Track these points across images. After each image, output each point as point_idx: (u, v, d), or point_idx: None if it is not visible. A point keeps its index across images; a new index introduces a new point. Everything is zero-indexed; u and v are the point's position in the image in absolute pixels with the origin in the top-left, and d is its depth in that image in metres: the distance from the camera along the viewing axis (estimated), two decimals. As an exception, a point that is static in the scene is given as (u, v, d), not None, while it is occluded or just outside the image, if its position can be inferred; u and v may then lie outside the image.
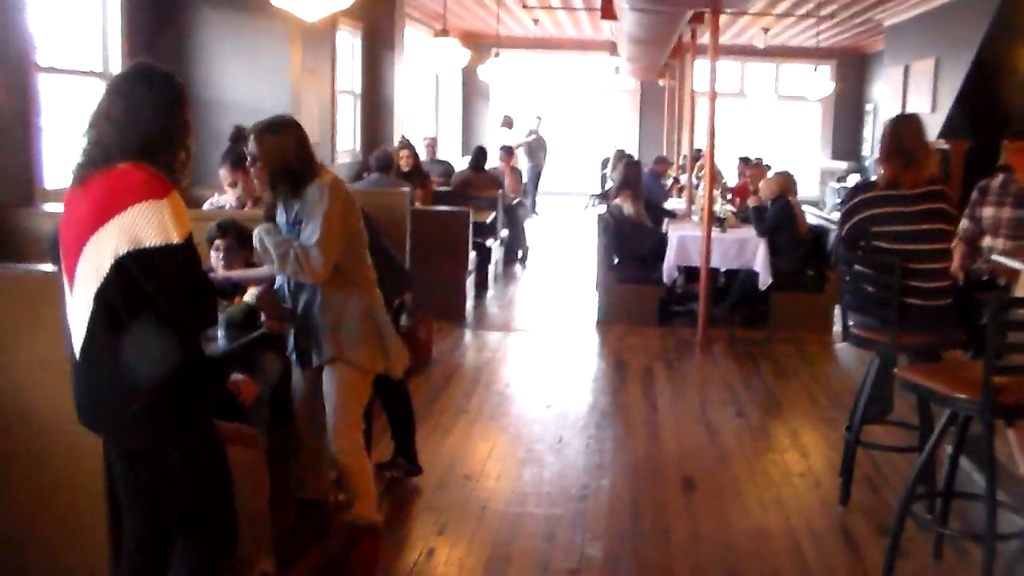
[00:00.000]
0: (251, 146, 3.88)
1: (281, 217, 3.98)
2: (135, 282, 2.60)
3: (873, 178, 7.83)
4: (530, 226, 14.26)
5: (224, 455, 2.91)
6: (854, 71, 19.67)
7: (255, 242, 3.93)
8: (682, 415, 6.48)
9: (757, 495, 5.07)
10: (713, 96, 8.46)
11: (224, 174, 5.12)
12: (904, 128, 4.73)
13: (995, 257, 5.35)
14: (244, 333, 4.14)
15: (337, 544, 4.23)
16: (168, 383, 2.68)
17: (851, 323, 4.96)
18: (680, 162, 14.54)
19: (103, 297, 2.61)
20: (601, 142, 19.29)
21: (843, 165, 19.39)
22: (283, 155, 3.84)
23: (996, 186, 6.11)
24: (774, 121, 20.67)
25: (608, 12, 9.40)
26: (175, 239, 2.59)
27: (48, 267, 3.09)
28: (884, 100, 15.27)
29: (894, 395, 5.57)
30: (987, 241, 6.10)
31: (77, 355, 2.71)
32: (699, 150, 16.51)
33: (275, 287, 4.13)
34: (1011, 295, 4.94)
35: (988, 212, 6.12)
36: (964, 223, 6.26)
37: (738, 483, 5.25)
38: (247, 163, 4.03)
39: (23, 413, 3.11)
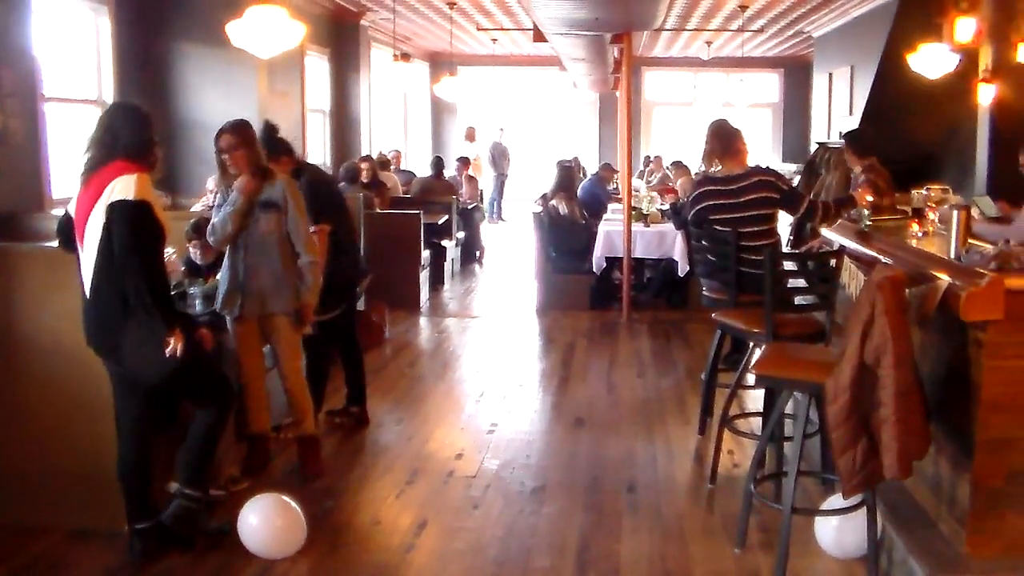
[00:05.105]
0: (226, 140, 5.01)
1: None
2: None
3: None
4: (486, 228, 15.54)
5: (206, 355, 4.21)
6: (801, 78, 20.88)
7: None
8: (590, 376, 7.72)
9: (632, 430, 6.28)
10: (628, 104, 9.72)
11: None
12: (711, 131, 6.00)
13: (823, 232, 6.54)
14: (213, 303, 5.41)
15: (286, 460, 5.48)
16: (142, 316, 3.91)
17: (703, 288, 6.20)
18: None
19: (102, 251, 3.84)
20: (564, 151, 20.46)
21: (792, 167, 20.60)
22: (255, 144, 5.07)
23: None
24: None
25: (538, 36, 10.64)
26: (131, 198, 3.79)
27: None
28: (818, 105, 16.55)
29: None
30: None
31: (88, 295, 3.94)
32: (648, 157, 17.78)
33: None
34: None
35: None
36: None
37: (620, 422, 6.47)
38: (223, 154, 5.05)
39: (54, 346, 4.33)
